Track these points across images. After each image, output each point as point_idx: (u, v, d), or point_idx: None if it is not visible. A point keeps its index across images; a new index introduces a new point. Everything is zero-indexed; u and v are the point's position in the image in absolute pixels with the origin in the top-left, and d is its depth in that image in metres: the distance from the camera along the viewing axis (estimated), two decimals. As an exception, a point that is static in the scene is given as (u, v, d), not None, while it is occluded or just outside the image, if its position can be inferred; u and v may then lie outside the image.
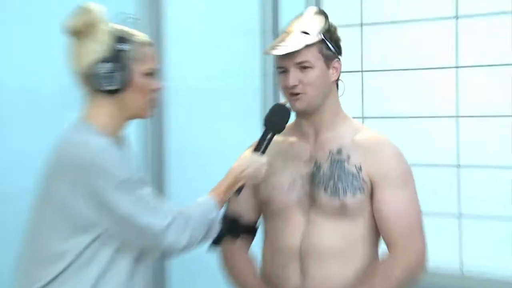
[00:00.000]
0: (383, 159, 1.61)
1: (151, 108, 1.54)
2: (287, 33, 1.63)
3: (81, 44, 1.47)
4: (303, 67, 1.58)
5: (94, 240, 1.40)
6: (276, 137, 1.65)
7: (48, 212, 1.42)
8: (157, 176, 2.53)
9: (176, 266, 2.85)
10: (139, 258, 1.49)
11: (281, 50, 1.58)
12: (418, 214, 1.63)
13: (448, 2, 3.12)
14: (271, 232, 1.71)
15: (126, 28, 1.51)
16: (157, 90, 1.56)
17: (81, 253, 1.39)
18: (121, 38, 1.47)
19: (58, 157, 1.42)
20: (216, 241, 1.68)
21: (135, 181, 1.42)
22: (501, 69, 3.07)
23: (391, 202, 1.58)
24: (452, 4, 3.12)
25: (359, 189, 1.59)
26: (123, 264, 1.46)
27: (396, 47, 3.53)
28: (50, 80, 2.15)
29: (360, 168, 1.59)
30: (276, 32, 3.24)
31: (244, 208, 1.75)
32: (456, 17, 3.16)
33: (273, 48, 1.61)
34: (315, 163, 1.65)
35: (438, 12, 3.27)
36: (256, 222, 1.78)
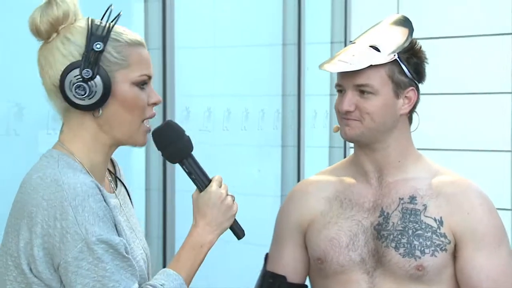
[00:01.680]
0: (471, 210, 1.31)
1: (145, 131, 1.14)
2: (353, 44, 1.34)
3: (49, 47, 1.10)
4: (363, 91, 1.28)
5: None
6: (329, 177, 1.39)
7: (9, 269, 1.06)
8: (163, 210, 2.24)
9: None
10: None
11: (339, 67, 1.28)
12: None
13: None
14: None
15: (109, 25, 1.12)
16: (152, 104, 1.16)
17: None
18: (100, 37, 1.09)
19: (23, 199, 1.05)
20: None
21: (110, 245, 1.02)
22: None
23: (483, 267, 1.28)
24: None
25: (441, 247, 1.28)
26: None
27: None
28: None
29: (441, 222, 1.30)
30: (299, 44, 3.01)
31: (291, 267, 1.43)
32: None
33: (330, 61, 1.31)
34: (382, 212, 1.34)
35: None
36: (304, 282, 1.46)
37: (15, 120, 1.73)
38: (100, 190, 1.03)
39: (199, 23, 2.52)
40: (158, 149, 1.19)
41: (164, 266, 1.65)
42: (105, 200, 1.03)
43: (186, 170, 1.17)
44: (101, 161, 1.13)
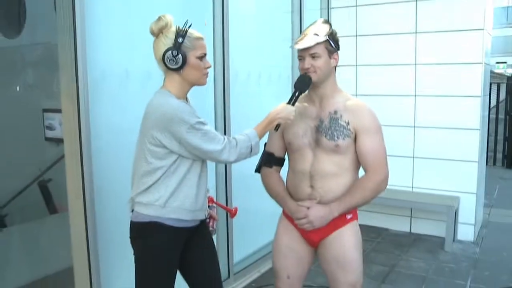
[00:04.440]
0: (363, 117, 2.18)
1: (205, 79, 2.05)
2: (305, 34, 2.17)
3: (157, 41, 2.00)
4: (313, 56, 2.15)
5: (175, 161, 1.97)
6: (296, 104, 2.20)
7: (147, 145, 1.97)
8: (223, 127, 3.46)
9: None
10: (202, 168, 2.07)
11: (301, 45, 2.15)
12: (384, 151, 2.20)
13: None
14: (292, 162, 2.31)
15: (186, 28, 1.99)
16: (207, 67, 2.04)
17: (168, 168, 1.98)
18: (181, 35, 1.96)
19: (150, 112, 1.95)
20: (258, 169, 2.34)
21: (199, 123, 1.93)
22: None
23: (367, 143, 2.17)
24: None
25: (347, 136, 2.16)
26: (195, 172, 2.04)
27: (379, 51, 4.89)
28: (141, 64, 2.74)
29: (348, 123, 2.17)
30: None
31: (276, 147, 2.36)
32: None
33: (296, 43, 2.18)
34: (320, 119, 2.21)
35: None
36: (283, 156, 2.38)
37: (147, 79, 2.78)
38: (185, 103, 1.97)
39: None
40: (295, 83, 2.18)
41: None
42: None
43: (294, 93, 2.17)
44: (182, 94, 2.03)
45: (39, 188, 4.20)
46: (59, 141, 4.07)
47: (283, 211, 2.39)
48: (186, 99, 2.09)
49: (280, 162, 2.37)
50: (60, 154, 3.91)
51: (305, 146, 2.23)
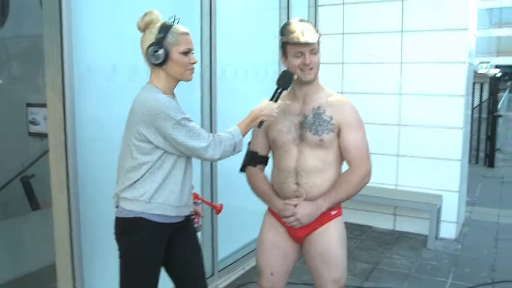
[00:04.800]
0: (345, 112, 2.21)
1: (190, 74, 2.03)
2: (302, 30, 2.13)
3: (143, 36, 2.00)
4: (314, 52, 2.17)
5: (160, 157, 1.96)
6: (279, 102, 2.19)
7: (132, 140, 1.96)
8: (210, 126, 3.45)
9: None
10: (187, 164, 2.06)
11: (309, 38, 2.12)
12: (367, 146, 2.23)
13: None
14: (277, 159, 2.30)
15: (171, 24, 1.98)
16: (192, 63, 2.02)
17: (153, 163, 1.97)
18: (164, 30, 1.96)
19: (136, 107, 1.95)
20: (243, 168, 2.35)
21: (185, 119, 1.92)
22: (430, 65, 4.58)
23: (350, 138, 2.19)
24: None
25: (331, 130, 2.18)
26: (180, 168, 2.03)
27: (365, 49, 4.91)
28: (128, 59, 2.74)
29: (331, 117, 2.19)
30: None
31: (260, 146, 2.35)
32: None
33: (297, 38, 2.11)
34: (303, 115, 2.22)
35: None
36: (267, 154, 2.37)
37: (134, 73, 2.77)
38: (171, 99, 1.95)
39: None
40: (278, 80, 2.17)
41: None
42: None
43: (276, 90, 2.16)
44: (169, 90, 2.02)
45: (22, 184, 4.15)
46: (42, 136, 4.03)
47: (269, 208, 2.39)
48: (173, 94, 2.08)
49: (264, 160, 2.37)
50: (43, 149, 3.87)
51: (289, 143, 2.24)
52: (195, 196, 2.34)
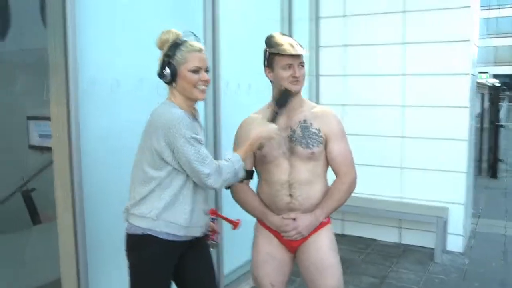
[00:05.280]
0: (331, 123, 2.28)
1: (199, 93, 2.02)
2: (291, 43, 2.19)
3: (161, 53, 2.03)
4: (301, 65, 2.23)
5: (170, 174, 1.94)
6: (259, 116, 2.25)
7: (145, 153, 1.98)
8: (214, 139, 3.42)
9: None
10: (197, 184, 2.00)
11: (299, 51, 2.19)
12: (351, 154, 2.31)
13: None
14: (266, 173, 2.30)
15: (183, 40, 1.99)
16: (201, 81, 2.00)
17: (163, 180, 1.96)
18: (173, 48, 1.98)
19: (153, 120, 1.97)
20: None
21: (194, 139, 1.91)
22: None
23: (336, 148, 2.27)
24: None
25: (320, 142, 2.24)
26: (189, 188, 2.00)
27: (367, 61, 4.83)
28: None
29: (319, 130, 2.25)
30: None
31: (246, 162, 2.20)
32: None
33: (287, 50, 2.17)
34: (291, 128, 2.25)
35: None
36: (252, 169, 2.32)
37: (138, 86, 2.68)
38: (188, 116, 1.95)
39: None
40: (277, 100, 2.19)
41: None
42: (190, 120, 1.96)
43: (277, 111, 2.17)
44: (186, 107, 2.02)
45: (23, 198, 4.10)
46: (43, 149, 3.99)
47: (258, 220, 2.40)
48: (194, 109, 2.08)
49: (249, 175, 2.31)
50: (44, 162, 3.83)
51: (280, 157, 2.26)
52: (212, 212, 2.30)
